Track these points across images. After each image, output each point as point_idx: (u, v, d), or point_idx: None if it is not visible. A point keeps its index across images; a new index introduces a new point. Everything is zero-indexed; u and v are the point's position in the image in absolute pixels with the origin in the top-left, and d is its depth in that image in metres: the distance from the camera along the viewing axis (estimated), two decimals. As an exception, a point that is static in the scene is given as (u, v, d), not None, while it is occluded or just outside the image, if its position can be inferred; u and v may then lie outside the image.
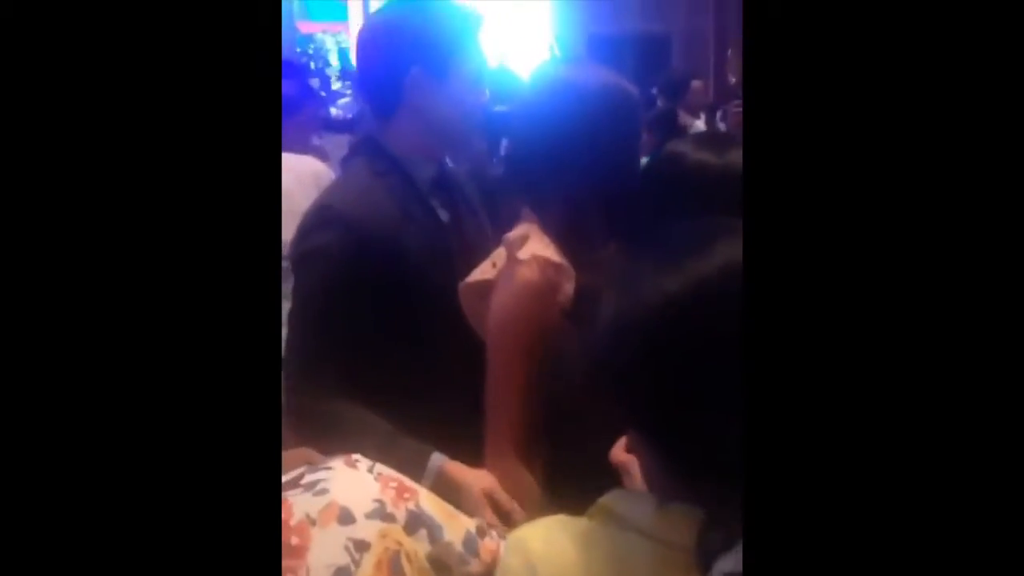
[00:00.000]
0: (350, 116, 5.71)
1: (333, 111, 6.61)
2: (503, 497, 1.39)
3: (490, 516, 1.36)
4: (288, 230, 1.51)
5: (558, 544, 0.87)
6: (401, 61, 1.58)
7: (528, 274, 1.40)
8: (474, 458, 1.45)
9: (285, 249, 1.52)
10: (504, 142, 1.70)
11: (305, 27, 9.47)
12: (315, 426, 1.45)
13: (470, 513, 1.38)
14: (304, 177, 2.49)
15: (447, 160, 1.74)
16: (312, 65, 8.66)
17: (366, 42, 1.67)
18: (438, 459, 1.45)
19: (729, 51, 8.93)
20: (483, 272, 1.49)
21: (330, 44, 9.68)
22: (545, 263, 1.40)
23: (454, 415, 1.48)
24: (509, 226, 1.51)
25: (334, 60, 9.36)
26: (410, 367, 1.56)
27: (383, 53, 1.62)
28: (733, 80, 8.36)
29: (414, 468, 1.40)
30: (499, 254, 1.48)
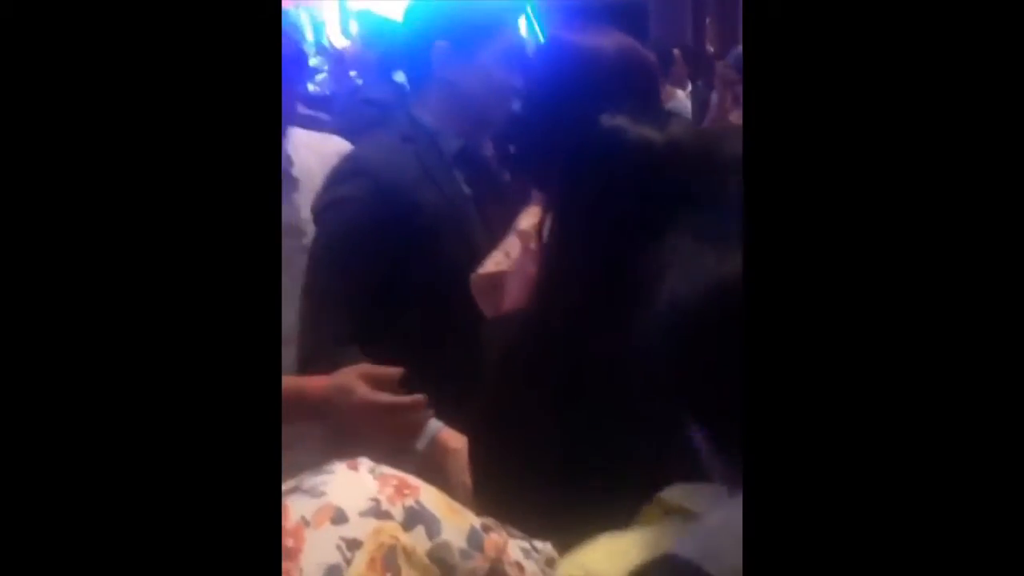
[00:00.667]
0: (328, 93, 5.62)
1: (311, 87, 6.51)
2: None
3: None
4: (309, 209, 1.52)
5: (618, 558, 0.85)
6: (431, 34, 1.60)
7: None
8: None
9: (286, 243, 1.50)
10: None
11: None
12: (322, 372, 1.47)
13: (458, 477, 1.40)
14: (328, 158, 2.44)
15: (474, 137, 1.74)
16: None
17: (407, 14, 1.70)
18: (435, 426, 1.48)
19: (708, 19, 8.88)
20: (496, 263, 1.47)
21: (305, 19, 9.56)
22: None
23: (455, 379, 1.47)
24: (519, 208, 1.49)
25: (310, 35, 9.24)
26: (418, 325, 1.58)
27: (418, 25, 1.65)
28: (712, 49, 8.33)
29: (413, 427, 1.45)
30: (511, 243, 1.46)
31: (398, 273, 1.58)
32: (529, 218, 1.44)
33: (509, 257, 1.45)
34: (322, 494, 0.86)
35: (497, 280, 1.46)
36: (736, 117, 3.82)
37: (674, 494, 0.88)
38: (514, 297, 1.41)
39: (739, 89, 3.89)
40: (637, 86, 1.42)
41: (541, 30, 2.02)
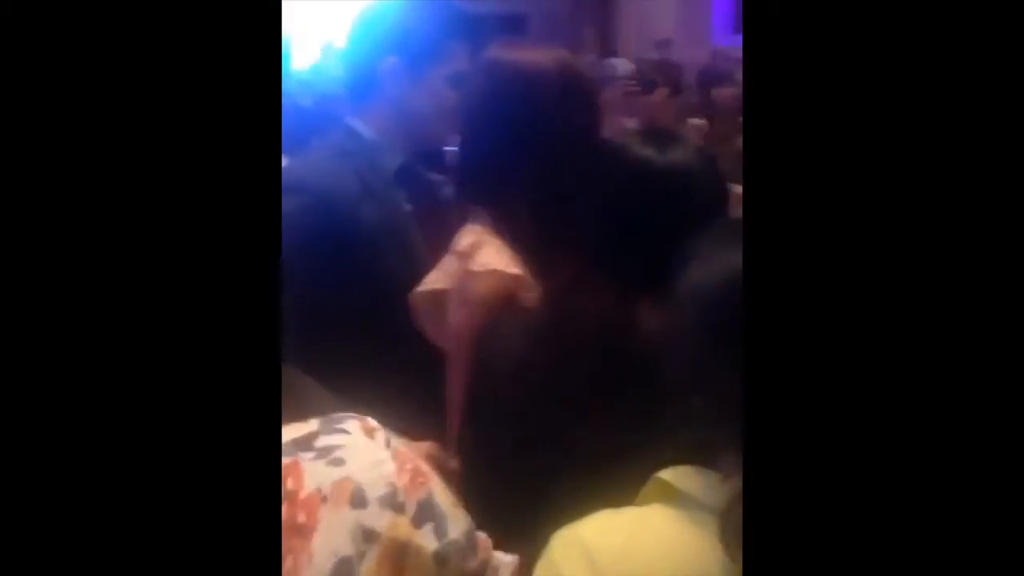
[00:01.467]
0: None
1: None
2: (443, 455, 1.37)
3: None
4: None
5: (614, 533, 0.86)
6: (381, 49, 1.58)
7: (483, 289, 1.35)
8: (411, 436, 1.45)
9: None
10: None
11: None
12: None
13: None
14: None
15: (413, 154, 1.72)
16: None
17: (354, 26, 1.66)
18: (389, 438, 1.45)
19: (584, 28, 8.92)
20: (435, 281, 1.46)
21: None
22: (501, 276, 1.35)
23: (396, 393, 1.45)
24: (458, 226, 1.46)
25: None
26: (357, 343, 1.53)
27: (366, 39, 1.62)
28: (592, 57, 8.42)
29: None
30: (449, 262, 1.44)
31: (337, 291, 1.54)
32: (468, 237, 1.42)
33: (448, 275, 1.43)
34: (340, 462, 0.82)
35: (437, 298, 1.45)
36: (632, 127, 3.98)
37: (673, 475, 0.88)
38: (453, 315, 1.41)
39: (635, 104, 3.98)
40: (578, 100, 1.42)
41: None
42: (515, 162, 1.39)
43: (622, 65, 7.15)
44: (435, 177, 1.79)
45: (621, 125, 4.04)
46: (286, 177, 1.55)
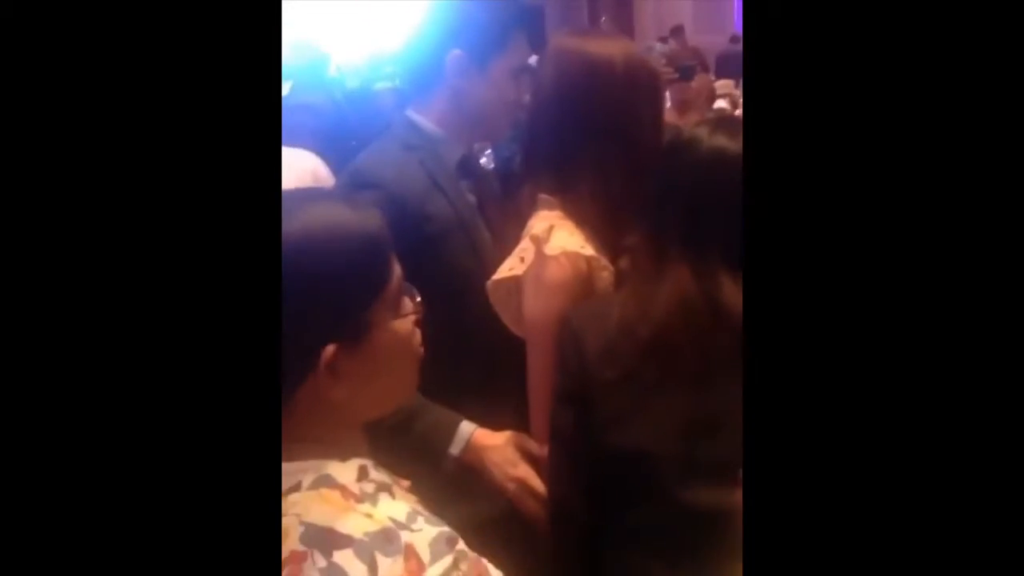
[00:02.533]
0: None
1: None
2: (533, 444, 1.42)
3: (523, 468, 1.41)
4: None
5: None
6: (446, 42, 1.59)
7: (559, 272, 1.38)
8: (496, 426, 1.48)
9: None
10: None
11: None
12: None
13: (503, 467, 1.42)
14: (303, 175, 2.44)
15: (475, 147, 1.75)
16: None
17: (419, 21, 1.67)
18: (468, 427, 1.47)
19: (603, 19, 8.88)
20: (511, 268, 1.47)
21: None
22: (575, 257, 1.38)
23: (477, 384, 1.50)
24: (525, 216, 1.49)
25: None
26: (433, 335, 1.55)
27: (431, 32, 1.63)
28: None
29: (444, 433, 1.46)
30: (525, 248, 1.46)
31: (412, 283, 1.56)
32: (541, 222, 1.44)
33: (523, 262, 1.45)
34: None
35: (512, 286, 1.47)
36: (669, 114, 3.98)
37: None
38: (530, 301, 1.43)
39: (674, 90, 3.98)
40: (643, 87, 1.45)
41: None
42: (582, 149, 1.42)
43: (660, 49, 7.13)
44: (492, 168, 1.79)
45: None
46: (358, 177, 1.57)
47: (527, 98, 1.59)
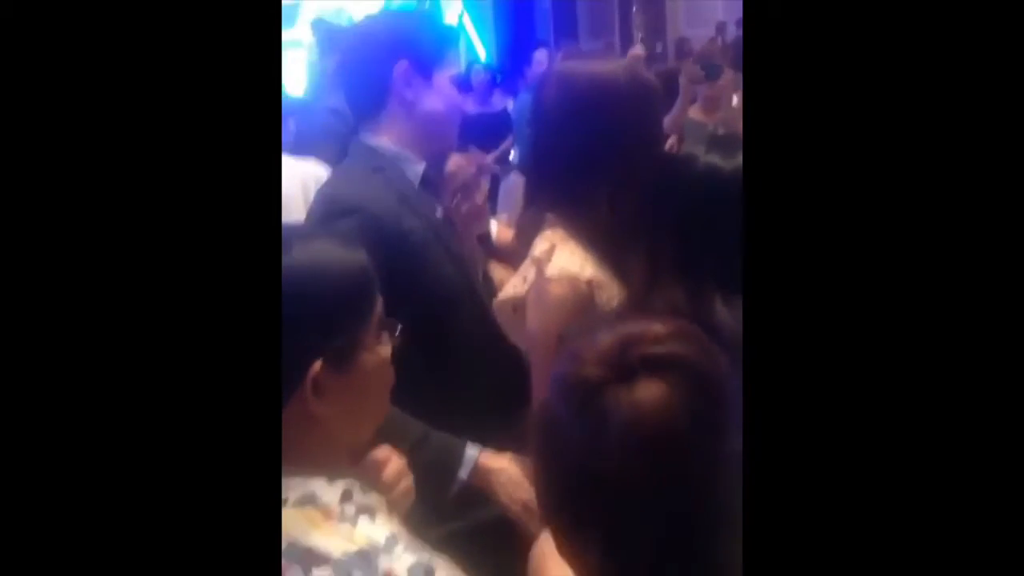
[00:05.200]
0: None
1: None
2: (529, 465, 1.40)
3: (529, 490, 1.39)
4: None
5: None
6: (390, 57, 1.59)
7: (559, 293, 1.40)
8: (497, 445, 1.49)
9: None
10: (514, 145, 1.70)
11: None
12: None
13: (510, 491, 1.43)
14: (308, 182, 2.34)
15: (432, 160, 1.74)
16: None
17: (355, 42, 1.69)
18: (473, 449, 1.48)
19: (634, 8, 8.87)
20: (514, 287, 1.50)
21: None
22: (574, 280, 1.40)
23: (476, 401, 1.52)
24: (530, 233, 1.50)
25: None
26: (421, 349, 1.55)
27: (372, 51, 1.63)
28: (640, 36, 8.35)
29: (449, 459, 1.47)
30: (527, 268, 1.48)
31: (401, 295, 1.56)
32: (543, 242, 1.46)
33: (526, 282, 1.47)
34: None
35: (516, 304, 1.48)
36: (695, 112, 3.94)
37: None
38: (531, 321, 1.44)
39: (701, 89, 3.98)
40: (645, 108, 1.47)
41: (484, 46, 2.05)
42: (586, 170, 1.43)
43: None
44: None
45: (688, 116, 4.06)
46: (335, 205, 1.58)
47: (469, 105, 1.60)
